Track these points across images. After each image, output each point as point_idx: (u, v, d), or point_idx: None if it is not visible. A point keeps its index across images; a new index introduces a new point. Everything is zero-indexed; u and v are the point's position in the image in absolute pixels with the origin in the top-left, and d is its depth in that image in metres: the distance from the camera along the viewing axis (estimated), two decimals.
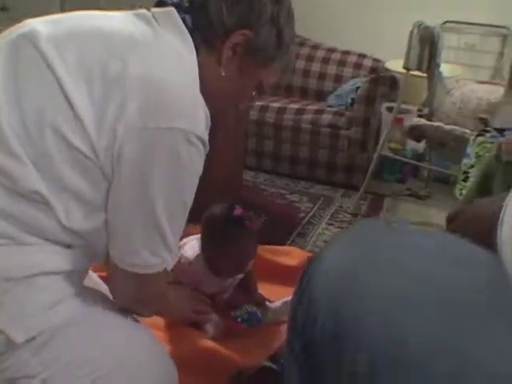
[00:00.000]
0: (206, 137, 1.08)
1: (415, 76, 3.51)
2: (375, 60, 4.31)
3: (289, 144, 3.90)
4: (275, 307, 1.91)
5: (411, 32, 3.37)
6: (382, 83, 3.65)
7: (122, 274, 1.11)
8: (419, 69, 3.42)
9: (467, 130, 3.03)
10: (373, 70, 4.20)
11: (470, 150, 2.67)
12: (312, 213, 3.30)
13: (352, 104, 3.84)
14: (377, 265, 0.74)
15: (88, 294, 1.18)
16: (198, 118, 1.07)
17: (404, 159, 3.91)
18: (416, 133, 3.37)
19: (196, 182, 1.12)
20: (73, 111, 1.00)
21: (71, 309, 1.10)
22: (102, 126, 1.01)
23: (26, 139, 1.00)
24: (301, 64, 4.36)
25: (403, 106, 3.71)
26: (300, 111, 3.90)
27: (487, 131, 2.67)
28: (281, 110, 3.92)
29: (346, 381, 0.68)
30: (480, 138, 2.64)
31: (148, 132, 1.01)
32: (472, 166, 2.59)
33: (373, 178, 3.57)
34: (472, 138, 2.74)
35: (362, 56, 4.35)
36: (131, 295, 1.20)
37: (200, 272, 1.79)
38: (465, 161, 2.68)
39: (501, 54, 4.28)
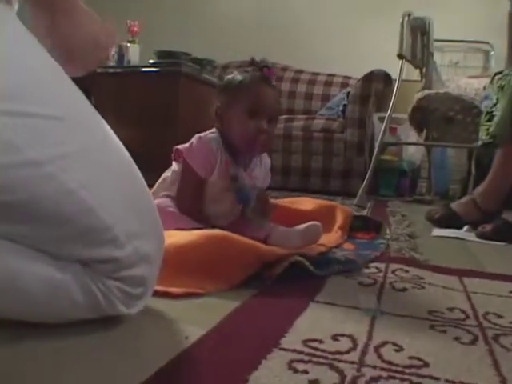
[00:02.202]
0: None
1: (405, 81, 3.15)
2: None
3: (280, 153, 3.42)
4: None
5: (402, 22, 3.03)
6: (376, 79, 3.26)
7: None
8: (413, 57, 3.05)
9: (476, 97, 2.61)
10: None
11: (490, 91, 2.24)
12: None
13: (344, 111, 3.42)
14: None
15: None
16: None
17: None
18: (419, 117, 2.94)
19: None
20: None
21: None
22: None
23: None
24: (286, 86, 3.99)
25: (394, 116, 3.30)
26: (290, 119, 3.46)
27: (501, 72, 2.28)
28: None
29: None
30: (499, 75, 2.22)
31: None
32: (495, 105, 2.15)
33: (368, 193, 3.08)
34: (487, 83, 2.34)
35: (347, 77, 4.01)
36: None
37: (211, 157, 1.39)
38: (485, 103, 2.25)
39: (484, 69, 3.98)
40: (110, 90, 2.76)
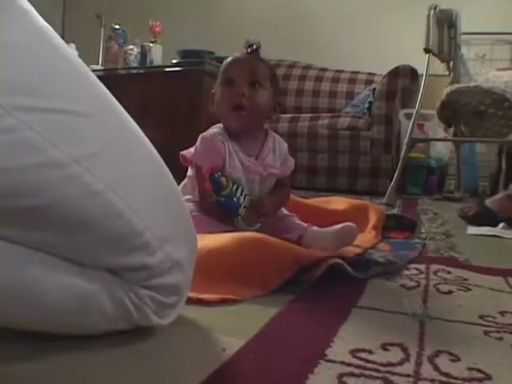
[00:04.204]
0: None
1: (432, 76, 3.06)
2: None
3: (305, 153, 3.35)
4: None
5: (428, 15, 2.95)
6: (402, 75, 3.18)
7: None
8: (440, 51, 2.96)
9: (507, 89, 2.52)
10: None
11: None
12: None
13: (370, 108, 3.34)
14: None
15: None
16: None
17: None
18: (448, 112, 2.85)
19: None
20: None
21: None
22: None
23: None
24: (309, 85, 3.91)
25: (421, 111, 3.20)
26: (315, 118, 3.40)
27: None
28: (294, 119, 3.41)
29: None
30: None
31: None
32: None
33: (396, 191, 2.98)
34: None
35: (372, 74, 3.92)
36: None
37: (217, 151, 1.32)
38: None
39: None
40: (133, 90, 2.72)
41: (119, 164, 0.62)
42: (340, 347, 0.71)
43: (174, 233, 0.69)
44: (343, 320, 0.83)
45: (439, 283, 1.08)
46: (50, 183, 0.55)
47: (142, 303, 0.66)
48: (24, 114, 0.53)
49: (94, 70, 2.44)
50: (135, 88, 2.76)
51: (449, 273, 1.18)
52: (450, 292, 1.02)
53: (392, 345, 0.73)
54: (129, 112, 0.70)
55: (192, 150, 1.35)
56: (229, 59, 1.38)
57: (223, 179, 1.25)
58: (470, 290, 1.05)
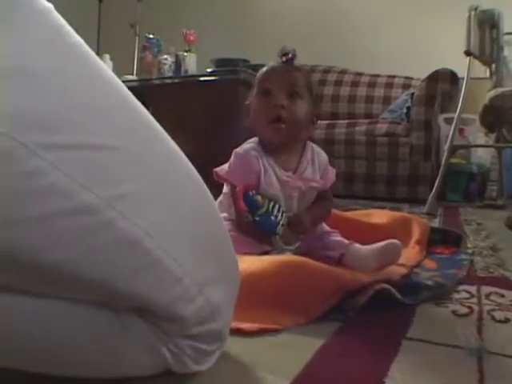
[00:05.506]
0: None
1: (472, 79, 2.96)
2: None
3: (343, 160, 3.28)
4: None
5: (468, 16, 2.85)
6: (442, 79, 3.08)
7: None
8: (482, 54, 2.86)
9: None
10: None
11: None
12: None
13: (408, 113, 3.26)
14: None
15: None
16: None
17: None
18: (491, 117, 2.75)
19: None
20: None
21: None
22: None
23: None
24: (345, 91, 3.84)
25: (462, 116, 3.10)
26: (352, 124, 3.33)
27: None
28: (331, 126, 3.35)
29: None
30: None
31: None
32: None
33: (436, 199, 2.89)
34: None
35: (409, 78, 3.83)
36: None
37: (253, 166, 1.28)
38: None
39: None
40: (167, 100, 2.71)
41: (159, 204, 0.55)
42: None
43: (215, 273, 0.62)
44: (393, 355, 0.77)
45: (493, 309, 1.01)
46: (80, 232, 0.48)
47: (182, 353, 0.60)
48: (50, 153, 0.46)
49: (128, 81, 2.43)
50: (170, 98, 2.74)
51: (502, 296, 1.10)
52: (507, 320, 0.95)
53: None
54: (163, 122, 0.64)
55: (226, 166, 1.31)
56: (264, 69, 1.33)
57: (258, 197, 1.20)
58: None
